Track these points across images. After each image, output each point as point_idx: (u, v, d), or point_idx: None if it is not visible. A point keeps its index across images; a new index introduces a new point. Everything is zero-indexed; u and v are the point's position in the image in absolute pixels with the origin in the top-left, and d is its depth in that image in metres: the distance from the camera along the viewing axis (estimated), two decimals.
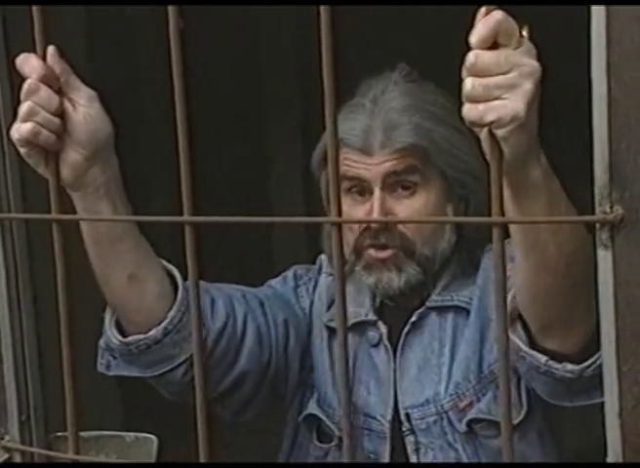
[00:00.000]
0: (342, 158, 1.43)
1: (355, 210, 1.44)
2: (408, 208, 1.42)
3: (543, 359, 1.24)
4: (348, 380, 0.95)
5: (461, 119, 0.97)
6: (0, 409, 1.25)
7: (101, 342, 1.40)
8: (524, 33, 0.94)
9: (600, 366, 1.14)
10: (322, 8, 0.87)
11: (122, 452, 1.31)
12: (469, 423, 1.43)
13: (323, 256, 1.59)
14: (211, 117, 3.75)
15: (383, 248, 1.42)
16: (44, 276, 1.27)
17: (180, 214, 0.99)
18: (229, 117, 4.02)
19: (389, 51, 1.51)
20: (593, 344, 1.17)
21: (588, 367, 1.22)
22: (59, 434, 1.30)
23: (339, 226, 0.95)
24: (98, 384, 2.14)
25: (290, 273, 1.61)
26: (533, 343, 1.25)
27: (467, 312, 1.47)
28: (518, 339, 1.25)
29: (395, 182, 1.41)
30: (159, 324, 1.34)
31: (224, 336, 1.44)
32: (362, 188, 1.43)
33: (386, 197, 1.41)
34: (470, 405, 1.43)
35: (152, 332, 1.34)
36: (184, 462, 1.32)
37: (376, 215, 1.40)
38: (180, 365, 1.38)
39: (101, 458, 1.29)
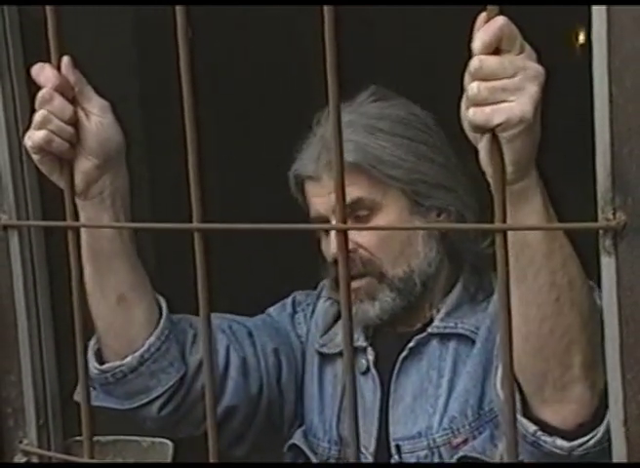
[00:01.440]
0: (307, 194, 1.42)
1: (324, 244, 1.43)
2: (367, 234, 1.38)
3: (532, 429, 1.13)
4: (356, 397, 0.92)
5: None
6: (18, 413, 1.27)
7: None
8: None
9: (593, 447, 1.10)
10: (326, 8, 0.87)
11: (139, 457, 1.32)
12: (461, 460, 1.35)
13: (325, 282, 1.55)
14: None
15: (353, 278, 1.35)
16: (62, 283, 1.29)
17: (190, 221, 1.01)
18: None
19: (363, 73, 1.47)
20: (591, 423, 1.11)
21: (581, 445, 1.12)
22: (77, 438, 1.31)
23: (344, 233, 0.95)
24: None
25: (289, 300, 1.58)
26: (527, 411, 1.14)
27: (472, 342, 1.39)
28: None
29: (349, 210, 1.35)
30: (136, 351, 1.34)
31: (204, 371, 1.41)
32: (324, 222, 1.40)
33: None
34: (465, 442, 1.36)
35: (128, 359, 1.34)
36: (188, 462, 1.33)
37: (333, 249, 1.34)
38: (156, 398, 1.38)
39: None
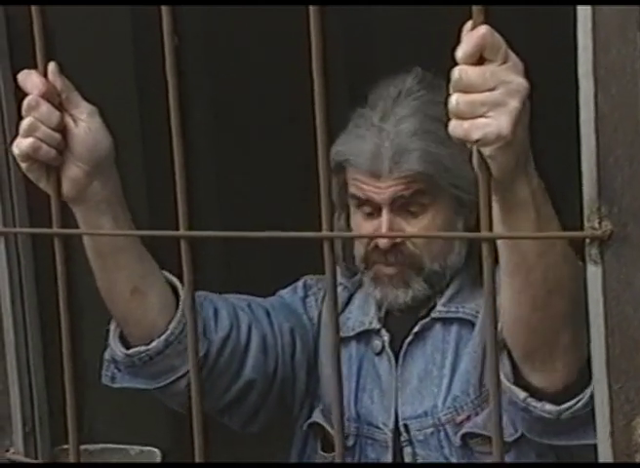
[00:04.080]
0: (351, 177, 1.44)
1: (364, 225, 1.44)
2: (416, 227, 1.42)
3: (522, 395, 1.21)
4: (341, 381, 0.96)
5: None
6: (5, 420, 1.26)
7: (106, 355, 1.41)
8: None
9: (580, 409, 1.17)
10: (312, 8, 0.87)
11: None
12: (464, 437, 1.41)
13: (337, 268, 1.60)
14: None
15: (391, 264, 1.43)
16: (49, 289, 1.28)
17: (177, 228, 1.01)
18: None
19: (405, 52, 1.46)
20: (576, 385, 1.16)
21: (568, 409, 1.19)
22: (64, 446, 1.30)
23: (330, 241, 0.95)
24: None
25: (300, 283, 1.61)
26: (517, 377, 1.22)
27: (473, 325, 1.45)
28: (502, 373, 1.21)
29: (403, 204, 1.41)
30: (161, 335, 1.35)
31: (228, 346, 1.44)
32: (371, 206, 1.43)
33: (394, 217, 1.41)
34: (468, 419, 1.42)
35: (154, 344, 1.35)
36: (184, 462, 1.32)
37: (385, 240, 1.40)
38: (183, 375, 1.38)
39: None
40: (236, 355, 1.44)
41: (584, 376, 1.12)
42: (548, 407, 1.20)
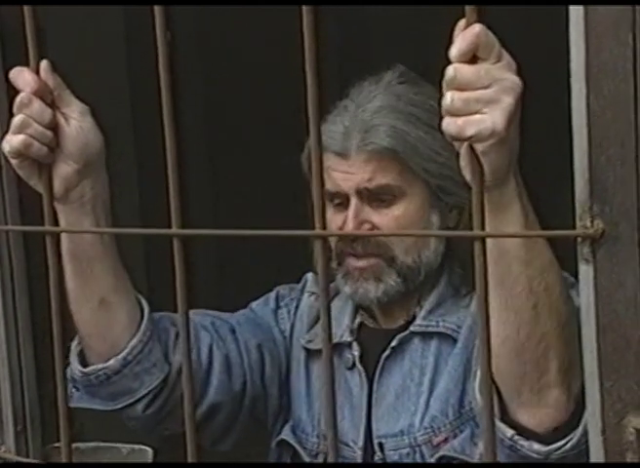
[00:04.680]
0: (325, 167, 1.37)
1: (334, 218, 1.41)
2: (385, 217, 1.37)
3: (509, 433, 1.14)
4: (335, 402, 0.92)
5: None
6: None
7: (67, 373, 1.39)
8: None
9: (569, 450, 1.11)
10: (305, 8, 0.87)
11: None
12: (440, 460, 1.36)
13: (309, 275, 1.56)
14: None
15: (361, 256, 1.38)
16: (41, 287, 1.28)
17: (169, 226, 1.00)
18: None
19: (389, 51, 1.47)
20: (567, 426, 1.12)
21: (557, 449, 1.13)
22: (56, 445, 1.30)
23: (323, 239, 0.95)
24: None
25: (272, 294, 1.58)
26: (504, 414, 1.15)
27: (454, 340, 1.39)
28: None
29: (372, 193, 1.37)
30: (119, 353, 1.33)
31: None
32: (340, 197, 1.40)
33: (363, 207, 1.38)
34: (445, 441, 1.36)
35: (111, 362, 1.33)
36: (181, 462, 1.32)
37: (350, 225, 1.36)
38: (140, 398, 1.37)
39: None
40: (197, 378, 1.40)
41: (576, 416, 1.09)
42: (537, 446, 1.14)
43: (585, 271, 0.87)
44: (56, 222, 1.10)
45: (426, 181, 1.39)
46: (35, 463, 1.26)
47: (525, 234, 1.07)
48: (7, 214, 1.25)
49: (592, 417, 0.89)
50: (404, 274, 1.39)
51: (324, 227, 0.95)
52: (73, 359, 1.36)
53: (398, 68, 1.44)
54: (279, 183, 3.77)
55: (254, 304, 1.57)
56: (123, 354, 1.33)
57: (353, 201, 1.38)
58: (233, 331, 1.48)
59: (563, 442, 1.13)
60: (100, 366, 1.34)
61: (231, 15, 3.40)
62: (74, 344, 1.37)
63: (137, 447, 1.32)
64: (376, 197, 1.38)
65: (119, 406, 1.38)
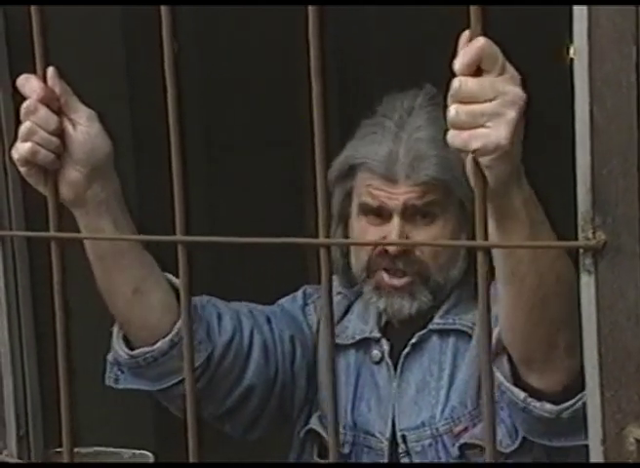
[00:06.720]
0: (364, 183, 1.44)
1: (369, 231, 1.44)
2: (425, 235, 1.42)
3: (522, 395, 1.23)
4: (337, 405, 0.94)
5: None
6: None
7: (109, 356, 1.42)
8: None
9: (580, 409, 1.17)
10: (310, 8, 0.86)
11: None
12: (462, 448, 1.42)
13: (335, 276, 1.57)
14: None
15: (400, 274, 1.43)
16: (45, 292, 1.28)
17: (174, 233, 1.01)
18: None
19: (414, 68, 1.48)
20: (575, 386, 1.17)
21: (567, 408, 1.21)
22: (58, 449, 1.30)
23: (327, 249, 0.96)
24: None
25: (299, 292, 1.62)
26: (516, 378, 1.24)
27: (469, 336, 1.46)
28: (500, 374, 1.24)
29: (414, 212, 1.42)
30: (166, 336, 1.35)
31: (231, 350, 1.45)
32: (381, 213, 1.44)
33: (405, 224, 1.42)
34: (465, 430, 1.43)
35: (159, 344, 1.36)
36: (182, 462, 1.32)
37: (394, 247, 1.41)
38: None
39: None
40: (239, 359, 1.46)
41: (584, 377, 1.14)
42: (548, 406, 1.22)
43: (587, 282, 0.88)
44: (62, 228, 1.11)
45: (463, 206, 1.43)
46: (35, 463, 1.27)
47: (529, 245, 1.07)
48: (12, 219, 1.26)
49: (593, 427, 0.89)
50: (434, 291, 1.45)
51: (327, 236, 0.96)
52: (118, 342, 1.39)
53: (429, 89, 1.46)
54: (279, 185, 3.79)
55: (281, 301, 1.61)
56: (170, 336, 1.35)
57: (396, 219, 1.42)
58: (269, 321, 1.53)
59: (574, 400, 1.20)
60: (148, 348, 1.36)
61: (231, 15, 3.42)
62: (115, 329, 1.40)
63: (138, 452, 1.33)
64: (421, 212, 1.42)
65: (165, 385, 1.41)
